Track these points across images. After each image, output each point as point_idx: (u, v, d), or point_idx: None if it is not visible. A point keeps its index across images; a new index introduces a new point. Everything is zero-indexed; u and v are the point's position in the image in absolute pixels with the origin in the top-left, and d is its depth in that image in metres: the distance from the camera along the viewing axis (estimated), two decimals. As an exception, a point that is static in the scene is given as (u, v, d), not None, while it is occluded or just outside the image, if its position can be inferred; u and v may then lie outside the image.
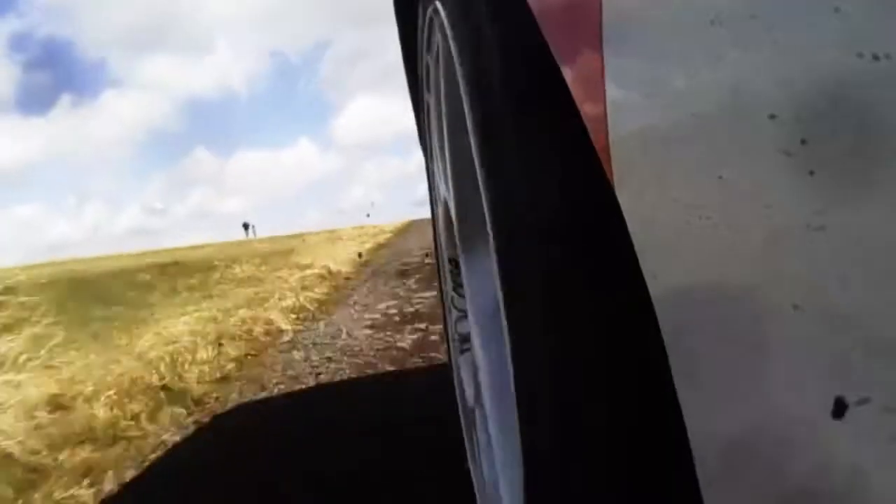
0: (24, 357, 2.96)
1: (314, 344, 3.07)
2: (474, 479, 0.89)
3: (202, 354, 2.90)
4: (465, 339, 0.98)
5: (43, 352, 3.07)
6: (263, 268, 7.33)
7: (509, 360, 0.37)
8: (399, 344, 2.78)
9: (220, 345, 3.11)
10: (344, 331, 3.30)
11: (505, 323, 0.37)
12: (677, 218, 0.24)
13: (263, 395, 2.29)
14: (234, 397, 2.32)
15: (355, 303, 4.31)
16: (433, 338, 2.77)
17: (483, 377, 0.73)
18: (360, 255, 8.09)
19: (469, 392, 0.91)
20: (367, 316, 3.68)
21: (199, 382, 2.56)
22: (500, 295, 0.38)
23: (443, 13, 0.55)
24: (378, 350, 2.73)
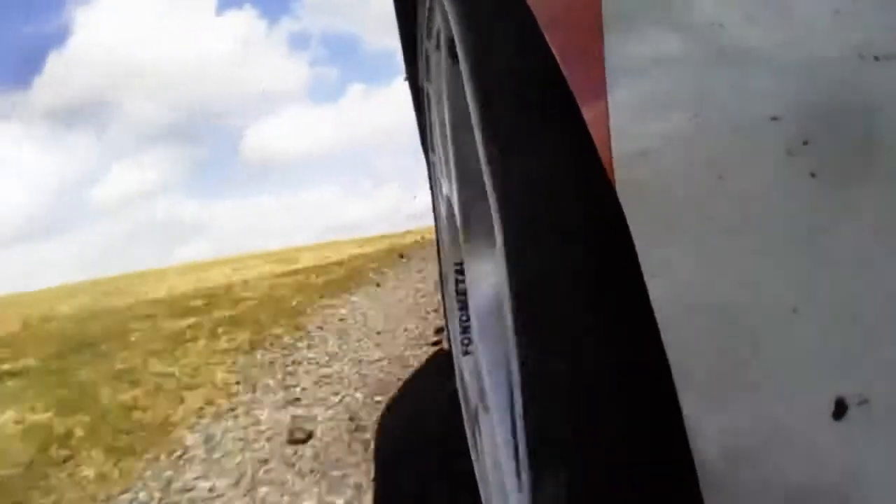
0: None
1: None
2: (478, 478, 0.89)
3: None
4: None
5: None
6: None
7: (512, 358, 0.37)
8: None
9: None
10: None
11: (509, 321, 0.37)
12: (678, 218, 0.24)
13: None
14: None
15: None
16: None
17: (485, 377, 0.73)
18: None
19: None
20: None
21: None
22: (504, 292, 0.38)
23: (449, 10, 0.55)
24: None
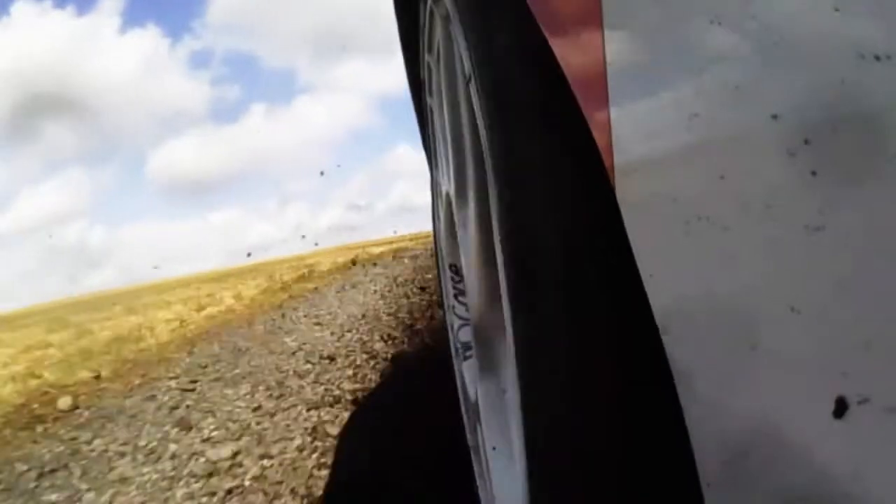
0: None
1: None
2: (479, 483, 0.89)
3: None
4: (467, 347, 0.99)
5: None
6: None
7: (510, 356, 0.37)
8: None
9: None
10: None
11: (509, 325, 0.37)
12: (678, 218, 0.24)
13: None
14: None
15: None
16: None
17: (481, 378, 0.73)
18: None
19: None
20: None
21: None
22: (504, 294, 0.38)
23: (452, 14, 0.55)
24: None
